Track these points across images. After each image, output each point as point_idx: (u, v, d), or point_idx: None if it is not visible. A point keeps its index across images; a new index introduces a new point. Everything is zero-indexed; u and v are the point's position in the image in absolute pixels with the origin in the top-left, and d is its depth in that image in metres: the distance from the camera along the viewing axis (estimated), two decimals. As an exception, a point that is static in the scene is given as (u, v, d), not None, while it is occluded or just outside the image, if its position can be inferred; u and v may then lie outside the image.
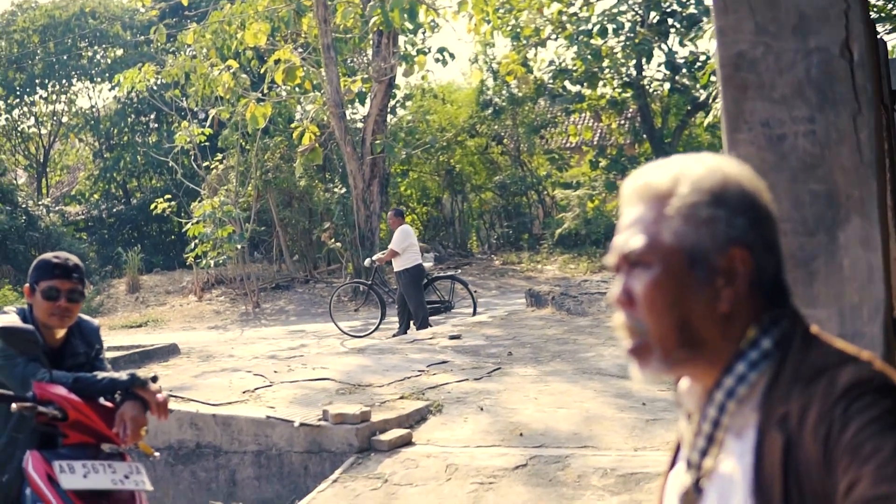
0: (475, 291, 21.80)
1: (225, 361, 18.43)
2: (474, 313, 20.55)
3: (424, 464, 8.38)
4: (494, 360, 12.89)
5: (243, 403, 10.23)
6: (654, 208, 1.99)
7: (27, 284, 5.53)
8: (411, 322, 19.46)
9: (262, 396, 10.59)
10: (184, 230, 31.28)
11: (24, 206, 42.69)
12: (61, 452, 5.26)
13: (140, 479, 5.35)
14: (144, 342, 22.25)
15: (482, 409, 9.83)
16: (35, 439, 5.35)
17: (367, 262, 21.82)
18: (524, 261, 34.70)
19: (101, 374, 5.42)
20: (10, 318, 5.48)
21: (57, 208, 47.60)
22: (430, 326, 18.80)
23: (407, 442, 8.99)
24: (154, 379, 5.63)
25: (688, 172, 1.99)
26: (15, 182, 46.02)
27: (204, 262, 31.07)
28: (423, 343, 15.11)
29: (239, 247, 30.21)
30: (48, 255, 5.57)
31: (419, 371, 12.04)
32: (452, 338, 15.29)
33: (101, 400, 5.43)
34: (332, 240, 31.75)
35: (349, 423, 9.02)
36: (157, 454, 5.92)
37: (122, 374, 5.43)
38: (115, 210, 48.65)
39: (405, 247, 19.35)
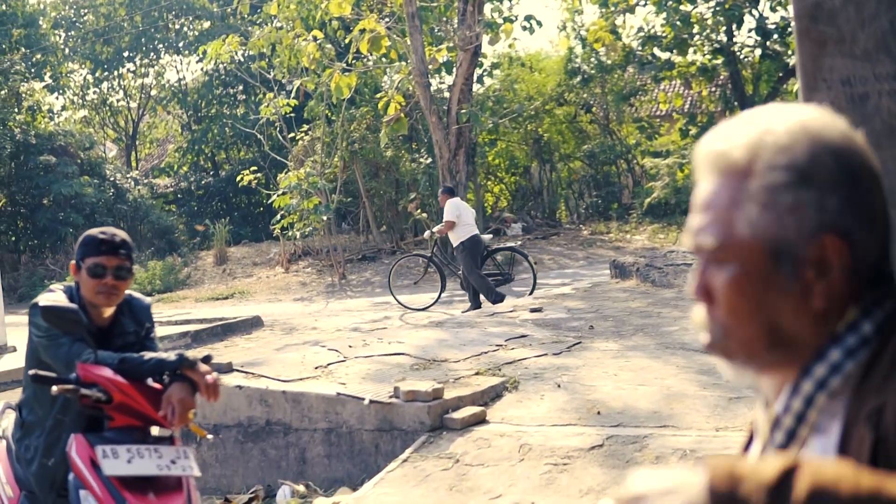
0: (535, 264, 21.36)
1: (307, 334, 18.36)
2: (533, 289, 20.31)
3: (497, 443, 8.10)
4: (575, 333, 12.59)
5: (315, 379, 10.00)
6: (730, 186, 1.66)
7: (73, 261, 5.31)
8: (481, 297, 19.28)
9: (334, 372, 10.35)
10: (270, 202, 31.28)
11: (112, 179, 43.02)
12: (106, 436, 5.07)
13: (187, 464, 5.13)
14: (229, 315, 22.26)
15: (559, 385, 9.53)
16: (81, 422, 5.19)
17: (426, 234, 21.57)
18: (612, 231, 34.31)
19: (148, 355, 5.18)
20: (55, 297, 5.29)
21: (146, 181, 47.95)
22: (503, 297, 18.65)
23: (480, 420, 8.71)
24: (207, 359, 5.40)
25: (768, 141, 1.65)
26: (103, 155, 46.43)
27: (290, 233, 31.14)
28: (503, 316, 14.83)
29: (325, 218, 30.15)
30: (94, 231, 5.33)
31: (497, 346, 11.76)
32: (534, 311, 14.99)
33: (150, 381, 5.20)
34: (419, 210, 31.59)
35: (421, 401, 8.75)
36: (209, 436, 5.73)
37: (170, 355, 5.19)
38: (203, 182, 48.95)
39: (458, 216, 19.30)
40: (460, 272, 20.16)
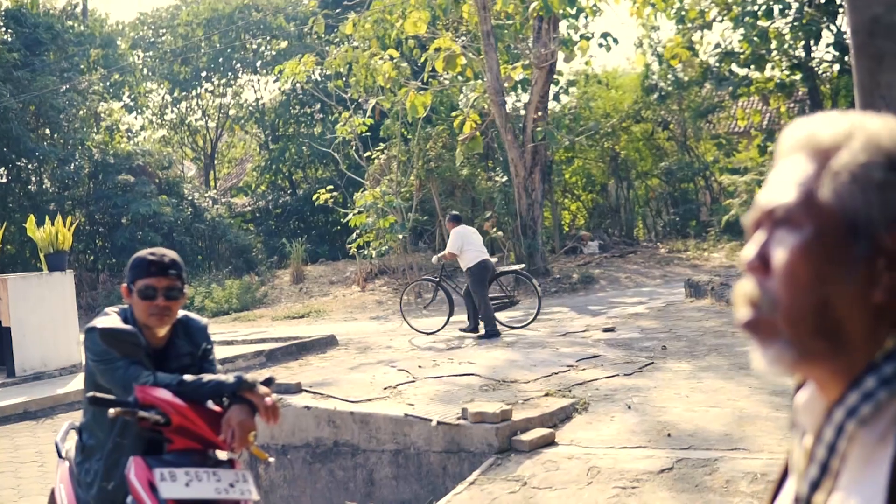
0: (538, 286, 21.03)
1: (381, 353, 18.33)
2: (537, 312, 20.34)
3: (565, 466, 8.00)
4: (647, 354, 12.46)
5: (383, 400, 9.95)
6: (817, 161, 1.58)
7: (124, 284, 5.29)
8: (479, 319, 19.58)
9: (403, 393, 10.30)
10: (347, 220, 31.38)
11: (190, 198, 43.35)
12: (166, 459, 5.02)
13: (246, 487, 5.07)
14: (304, 334, 22.28)
15: (630, 407, 9.41)
16: (141, 445, 5.15)
17: (434, 259, 21.72)
18: (690, 248, 34.03)
19: (207, 377, 5.13)
20: (111, 320, 5.27)
21: (224, 200, 48.29)
22: (498, 335, 18.96)
23: (549, 442, 8.61)
24: (269, 381, 5.36)
25: (863, 127, 1.57)
26: (182, 174, 46.80)
27: (367, 252, 31.19)
28: (576, 336, 14.75)
29: (401, 237, 30.19)
30: (144, 253, 5.31)
31: (568, 366, 11.65)
32: (606, 330, 14.90)
33: (210, 404, 5.17)
34: (495, 229, 31.47)
35: (489, 423, 8.66)
36: (271, 459, 5.68)
37: (229, 377, 5.14)
38: (281, 201, 49.20)
39: (460, 247, 19.71)
40: (464, 290, 20.34)
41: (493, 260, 20.66)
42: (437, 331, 20.97)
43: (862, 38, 2.81)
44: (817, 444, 1.56)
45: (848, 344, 1.53)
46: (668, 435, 8.43)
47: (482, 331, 19.38)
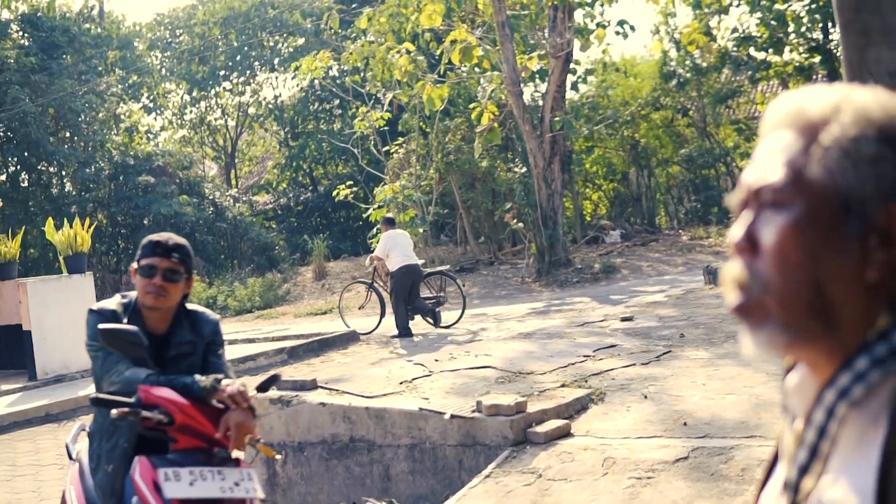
0: (463, 286, 22.77)
1: (402, 348, 18.31)
2: (462, 312, 21.80)
3: (581, 457, 7.94)
4: (665, 342, 12.36)
5: (399, 395, 9.91)
6: (805, 137, 1.53)
7: (133, 265, 5.45)
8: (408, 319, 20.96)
9: (419, 387, 10.24)
10: (367, 215, 31.37)
11: (211, 197, 43.40)
12: (170, 458, 5.03)
13: (251, 486, 5.05)
14: (326, 330, 22.26)
15: (646, 396, 9.34)
16: (136, 427, 5.10)
17: (366, 262, 23.25)
18: (712, 235, 33.85)
19: (182, 378, 5.16)
20: (107, 303, 5.50)
21: (245, 198, 48.36)
22: (411, 335, 20.48)
23: (565, 433, 8.56)
24: (274, 379, 5.56)
25: (853, 100, 1.52)
26: (202, 174, 46.90)
27: (388, 246, 31.14)
28: (594, 326, 14.66)
29: (421, 230, 30.14)
30: (153, 235, 5.49)
31: (585, 356, 11.58)
32: (624, 319, 14.81)
33: (215, 402, 5.15)
34: (515, 220, 31.36)
35: (503, 415, 8.61)
36: (279, 456, 5.68)
37: (205, 380, 5.13)
38: (302, 198, 49.31)
39: (387, 251, 20.86)
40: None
41: (420, 262, 21.62)
42: (372, 331, 21.93)
43: (849, 15, 2.76)
44: (807, 428, 1.52)
45: (840, 324, 1.48)
46: (685, 424, 8.37)
47: (397, 330, 20.68)
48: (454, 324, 21.27)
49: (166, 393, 4.99)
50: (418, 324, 21.21)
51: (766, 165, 1.55)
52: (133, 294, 5.53)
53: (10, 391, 18.52)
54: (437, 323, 21.01)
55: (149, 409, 4.93)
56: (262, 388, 5.76)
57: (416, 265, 21.07)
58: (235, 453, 5.23)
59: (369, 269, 23.21)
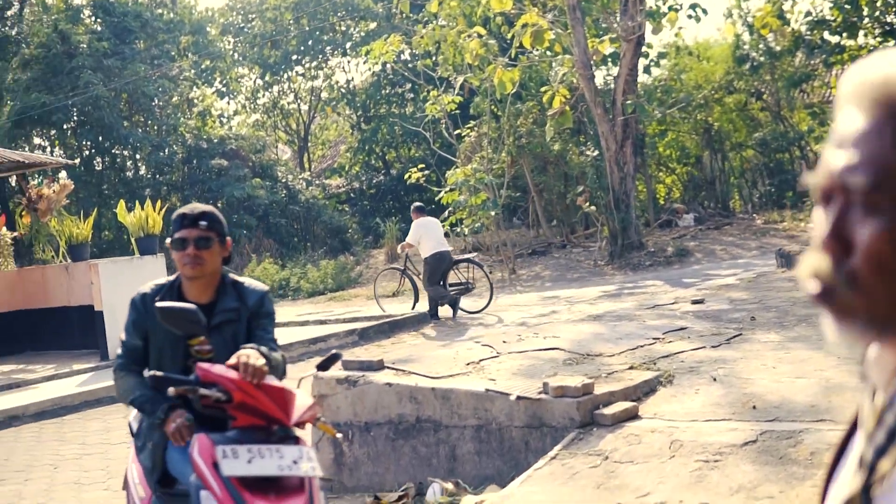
0: (490, 274, 23.69)
1: (473, 330, 18.34)
2: (490, 299, 22.16)
3: (648, 439, 7.88)
4: (736, 325, 12.23)
5: (465, 376, 9.87)
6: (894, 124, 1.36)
7: (167, 241, 5.67)
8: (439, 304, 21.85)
9: (486, 368, 10.20)
10: (439, 198, 31.36)
11: (284, 180, 43.58)
12: (229, 436, 5.04)
13: (310, 464, 5.03)
14: (398, 312, 22.29)
15: (715, 379, 9.24)
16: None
17: (398, 249, 24.01)
18: (786, 219, 33.51)
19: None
20: (150, 285, 5.73)
21: (318, 182, 48.52)
22: (437, 315, 21.68)
23: (632, 416, 8.49)
24: (335, 357, 5.89)
25: None
26: (275, 157, 47.10)
27: (460, 229, 31.15)
28: (664, 308, 14.54)
29: (493, 213, 30.09)
30: (181, 208, 5.67)
31: (654, 339, 11.48)
32: (695, 302, 14.67)
33: (273, 380, 5.15)
34: (588, 203, 31.23)
35: (570, 397, 8.55)
36: (339, 435, 5.69)
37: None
38: (374, 181, 49.43)
39: (419, 238, 21.68)
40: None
41: (450, 249, 22.35)
42: (407, 316, 22.23)
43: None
44: (889, 409, 1.44)
45: None
46: (754, 407, 8.27)
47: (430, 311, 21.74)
48: (482, 310, 21.63)
49: (225, 371, 5.01)
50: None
51: (852, 155, 1.40)
52: (166, 277, 5.79)
53: (81, 371, 18.72)
54: (454, 314, 21.61)
55: (207, 387, 4.97)
56: (323, 366, 5.79)
57: (448, 252, 21.66)
58: (297, 431, 5.24)
59: (401, 256, 23.89)
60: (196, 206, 5.63)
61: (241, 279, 5.78)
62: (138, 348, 5.64)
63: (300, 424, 5.20)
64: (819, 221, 1.44)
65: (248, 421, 5.04)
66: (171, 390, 4.92)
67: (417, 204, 23.03)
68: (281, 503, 4.86)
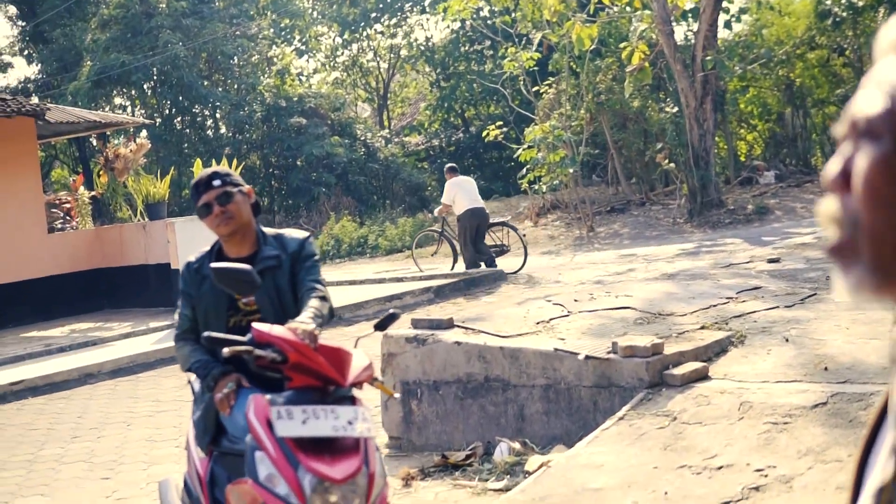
0: (524, 236, 24.31)
1: (549, 288, 18.30)
2: (524, 261, 22.59)
3: (717, 401, 7.79)
4: (811, 285, 12.05)
5: (535, 335, 9.81)
6: None
7: (195, 215, 5.84)
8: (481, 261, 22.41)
9: (555, 327, 10.13)
10: (517, 156, 31.30)
11: (363, 138, 43.62)
12: (285, 396, 5.03)
13: (365, 425, 5.02)
14: (472, 270, 22.29)
15: (787, 339, 9.11)
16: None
17: (434, 212, 25.09)
18: (870, 177, 33.07)
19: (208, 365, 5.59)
20: (193, 256, 5.88)
21: (397, 139, 48.56)
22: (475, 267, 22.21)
23: (702, 376, 8.40)
24: (394, 316, 5.84)
25: None
26: (354, 115, 47.16)
27: (538, 187, 31.06)
28: (739, 268, 14.39)
29: (571, 171, 29.96)
30: (193, 181, 5.79)
31: (727, 298, 11.33)
32: (771, 261, 14.51)
33: (325, 341, 5.14)
34: (667, 160, 30.98)
35: (639, 357, 8.47)
36: (397, 395, 5.70)
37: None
38: (454, 139, 49.39)
39: (453, 198, 22.21)
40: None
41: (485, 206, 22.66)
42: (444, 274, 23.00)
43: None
44: None
45: None
46: (825, 368, 8.15)
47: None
48: (516, 272, 21.99)
49: (280, 331, 5.00)
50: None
51: (869, 95, 1.38)
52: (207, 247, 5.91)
53: (157, 328, 18.90)
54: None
55: (262, 348, 4.96)
56: (380, 326, 5.79)
57: (482, 208, 22.03)
58: (354, 392, 5.23)
59: (438, 218, 24.55)
60: (204, 171, 5.72)
61: (280, 231, 5.87)
62: (190, 317, 5.76)
63: (357, 385, 5.19)
64: (831, 164, 1.38)
65: (304, 381, 5.03)
66: (225, 351, 4.93)
67: (450, 165, 23.62)
68: (335, 464, 4.84)
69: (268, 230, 5.83)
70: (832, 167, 1.38)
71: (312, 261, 5.71)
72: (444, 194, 22.76)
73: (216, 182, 5.57)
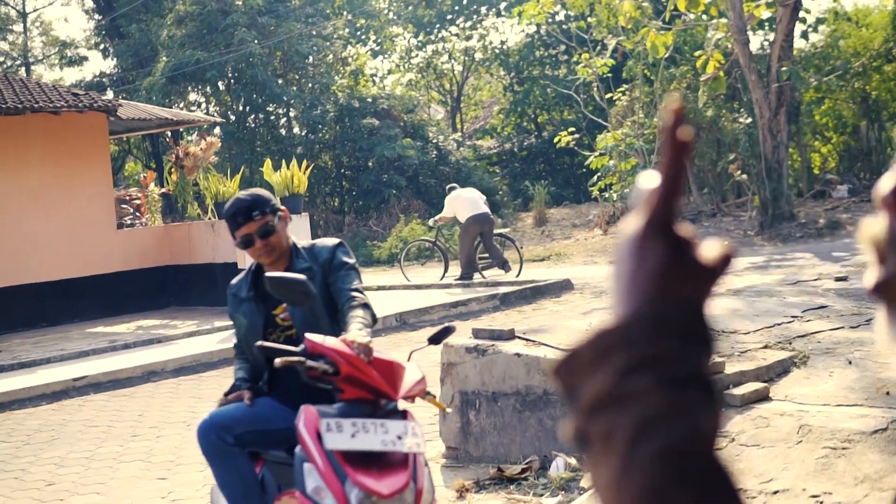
0: (521, 249, 24.86)
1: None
2: (520, 269, 23.22)
3: (776, 423, 7.71)
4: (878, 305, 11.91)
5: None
6: None
7: (232, 242, 5.86)
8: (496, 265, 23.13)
9: (618, 341, 10.07)
10: (588, 163, 31.22)
11: (435, 141, 43.63)
12: (336, 409, 5.05)
13: (414, 440, 5.01)
14: (541, 277, 22.25)
15: (850, 362, 9.01)
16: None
17: (430, 221, 25.73)
18: (947, 193, 32.64)
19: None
20: (241, 276, 6.00)
21: (469, 143, 48.54)
22: (471, 277, 23.00)
23: (763, 397, 8.31)
24: (449, 330, 5.88)
25: None
26: (427, 117, 47.20)
27: (609, 194, 30.96)
28: (806, 285, 14.25)
29: (643, 179, 29.83)
30: (227, 208, 5.74)
31: (792, 317, 11.22)
32: (838, 279, 14.36)
33: (378, 353, 5.13)
34: (739, 171, 30.76)
35: (699, 375, 8.40)
36: (449, 409, 5.70)
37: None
38: (526, 143, 49.31)
39: (453, 211, 22.91)
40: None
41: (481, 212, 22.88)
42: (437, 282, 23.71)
43: None
44: None
45: None
46: (887, 393, 8.04)
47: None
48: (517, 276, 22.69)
49: (333, 343, 5.00)
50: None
51: None
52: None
53: (222, 328, 18.95)
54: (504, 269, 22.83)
55: (314, 359, 4.97)
56: (435, 339, 5.77)
57: (485, 213, 22.59)
58: (403, 405, 5.23)
59: (433, 228, 25.35)
60: (240, 200, 5.65)
61: (313, 241, 5.89)
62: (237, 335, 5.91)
63: (409, 398, 5.19)
64: (886, 180, 1.17)
65: (356, 394, 5.03)
66: (277, 361, 4.94)
67: (451, 185, 24.31)
68: (383, 478, 4.85)
69: (301, 242, 5.84)
70: (887, 183, 1.18)
71: (346, 268, 5.68)
72: (444, 209, 23.50)
73: (255, 213, 5.53)
